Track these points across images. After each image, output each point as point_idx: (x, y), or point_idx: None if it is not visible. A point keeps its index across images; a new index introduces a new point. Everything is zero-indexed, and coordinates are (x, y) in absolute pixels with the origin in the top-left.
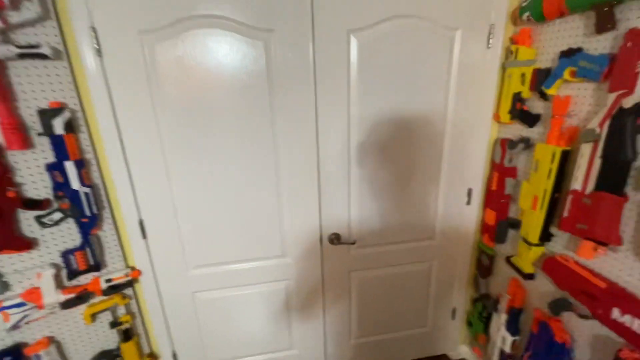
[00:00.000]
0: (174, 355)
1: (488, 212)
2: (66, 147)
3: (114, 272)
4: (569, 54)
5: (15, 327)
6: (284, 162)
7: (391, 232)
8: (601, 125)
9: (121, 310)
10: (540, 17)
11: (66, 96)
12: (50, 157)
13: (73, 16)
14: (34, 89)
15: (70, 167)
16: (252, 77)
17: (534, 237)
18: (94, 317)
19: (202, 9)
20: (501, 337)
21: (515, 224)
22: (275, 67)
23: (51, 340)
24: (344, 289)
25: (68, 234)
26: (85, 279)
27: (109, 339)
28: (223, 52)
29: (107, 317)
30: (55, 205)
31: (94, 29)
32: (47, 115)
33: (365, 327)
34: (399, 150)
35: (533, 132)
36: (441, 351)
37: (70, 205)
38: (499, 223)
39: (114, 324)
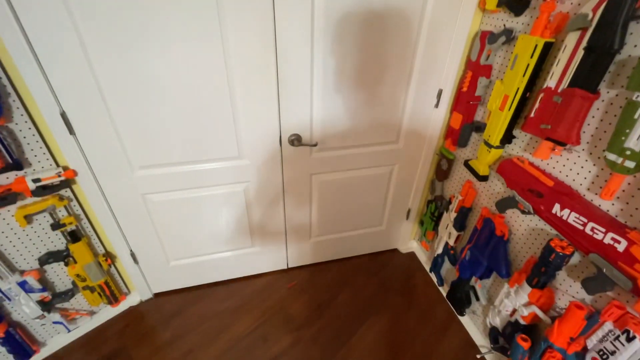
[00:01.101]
0: (132, 254)
1: (455, 115)
2: None
3: (43, 171)
4: None
5: None
6: (233, 47)
7: (355, 135)
8: (595, 9)
9: (63, 213)
10: None
11: None
12: None
13: None
14: None
15: None
16: None
17: (496, 139)
18: (29, 219)
19: None
20: (448, 233)
21: (480, 128)
22: None
23: None
24: (304, 191)
25: None
26: (7, 179)
27: (55, 241)
28: None
29: (47, 220)
30: None
31: None
32: None
33: (324, 227)
34: (369, 43)
35: (518, 23)
36: (393, 246)
37: None
38: (464, 126)
39: (56, 225)
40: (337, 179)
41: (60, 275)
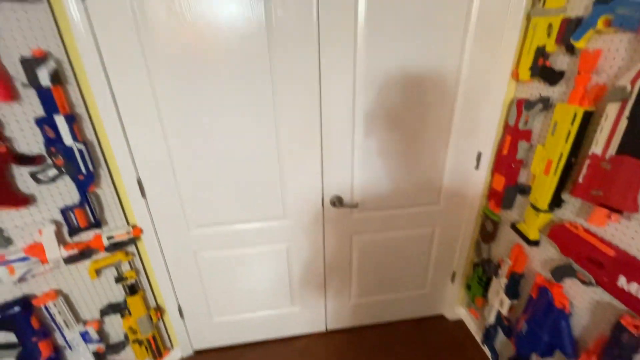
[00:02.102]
0: (180, 309)
1: (497, 177)
2: (54, 99)
3: (116, 229)
4: (606, 0)
5: (21, 279)
6: (284, 120)
7: (395, 196)
8: (633, 82)
9: (125, 267)
10: None
11: (50, 44)
12: (40, 111)
13: None
14: (14, 35)
15: (60, 121)
16: (250, 27)
17: (544, 203)
18: (98, 272)
19: None
20: (499, 300)
21: (524, 190)
22: (276, 18)
23: (59, 292)
24: (345, 251)
25: (66, 191)
26: (87, 236)
27: (116, 293)
28: None
29: (112, 273)
30: (49, 161)
31: None
32: (30, 64)
33: (365, 288)
34: (408, 110)
35: (554, 92)
36: (438, 312)
37: (65, 162)
38: (507, 188)
39: (119, 279)
40: (378, 239)
41: (115, 327)
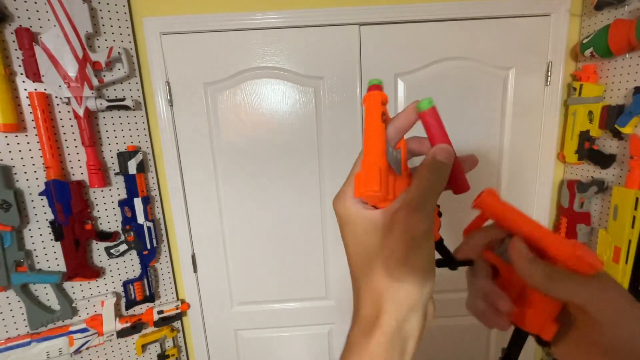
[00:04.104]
0: None
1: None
2: (137, 185)
3: (166, 304)
4: None
5: (77, 351)
6: (328, 203)
7: (439, 281)
8: None
9: (169, 343)
10: (606, 53)
11: (141, 140)
12: (123, 194)
13: (153, 73)
14: (116, 135)
15: (138, 203)
16: (301, 120)
17: None
18: (144, 348)
19: (259, 62)
20: None
21: None
22: (324, 111)
23: None
24: None
25: (130, 265)
26: (140, 309)
27: None
28: (276, 99)
29: (155, 349)
30: (122, 237)
31: (168, 83)
32: (124, 157)
33: None
34: (450, 194)
35: (607, 174)
36: None
37: (135, 238)
38: None
39: (162, 356)
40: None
41: None
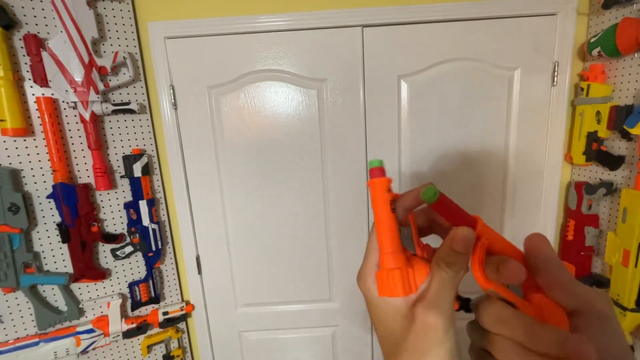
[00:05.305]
0: None
1: (566, 265)
2: (142, 187)
3: (171, 305)
4: None
5: (84, 352)
6: (332, 202)
7: None
8: None
9: (174, 344)
10: (614, 53)
11: (146, 143)
12: (128, 197)
13: (157, 77)
14: (121, 138)
15: (143, 205)
16: (304, 123)
17: (629, 301)
18: (149, 348)
19: (262, 65)
20: None
21: (602, 283)
22: (327, 113)
23: None
24: None
25: (135, 267)
26: (145, 311)
27: None
28: (280, 101)
29: (160, 350)
30: (128, 239)
31: (172, 87)
32: (129, 160)
33: None
34: (455, 194)
35: (616, 176)
36: None
37: (140, 240)
38: (581, 280)
39: (166, 357)
40: None
41: None
